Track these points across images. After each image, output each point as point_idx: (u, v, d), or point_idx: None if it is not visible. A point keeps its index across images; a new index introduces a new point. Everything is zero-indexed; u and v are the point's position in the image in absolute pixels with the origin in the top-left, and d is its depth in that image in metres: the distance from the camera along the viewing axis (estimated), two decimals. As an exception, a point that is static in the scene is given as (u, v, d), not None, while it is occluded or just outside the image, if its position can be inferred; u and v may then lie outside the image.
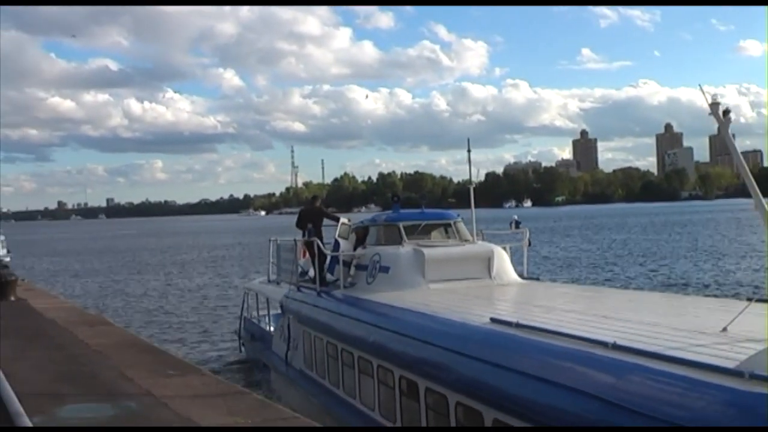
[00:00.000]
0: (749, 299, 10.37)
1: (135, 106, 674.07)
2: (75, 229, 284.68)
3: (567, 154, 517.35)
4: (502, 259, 16.91)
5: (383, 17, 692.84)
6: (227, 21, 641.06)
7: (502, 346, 9.75)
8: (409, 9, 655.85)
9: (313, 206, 20.56)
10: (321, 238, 19.00)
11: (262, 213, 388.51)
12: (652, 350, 7.81)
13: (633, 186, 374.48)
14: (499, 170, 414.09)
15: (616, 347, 8.15)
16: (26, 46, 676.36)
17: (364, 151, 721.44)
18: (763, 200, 8.71)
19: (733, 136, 9.54)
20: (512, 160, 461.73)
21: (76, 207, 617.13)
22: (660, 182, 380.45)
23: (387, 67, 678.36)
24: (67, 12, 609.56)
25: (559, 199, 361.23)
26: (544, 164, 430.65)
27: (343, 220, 19.82)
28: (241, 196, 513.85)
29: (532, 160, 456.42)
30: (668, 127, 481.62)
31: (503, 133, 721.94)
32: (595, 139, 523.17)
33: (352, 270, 17.87)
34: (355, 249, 18.45)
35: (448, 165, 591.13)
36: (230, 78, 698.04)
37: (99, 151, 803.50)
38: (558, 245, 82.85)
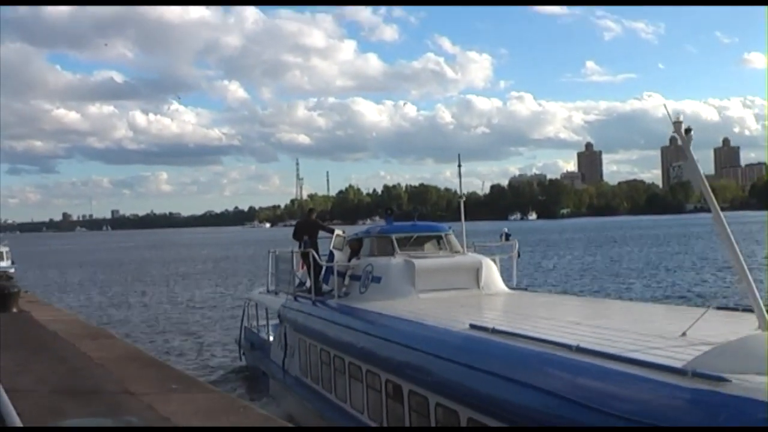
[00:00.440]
0: (708, 306, 10.95)
1: (140, 118, 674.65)
2: (80, 240, 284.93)
3: (572, 166, 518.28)
4: (491, 270, 17.49)
5: (388, 30, 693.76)
6: (232, 33, 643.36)
7: (477, 350, 10.37)
8: (413, 21, 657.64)
9: (308, 219, 21.31)
10: (316, 250, 19.61)
11: (267, 225, 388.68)
12: (611, 352, 8.40)
13: (638, 198, 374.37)
14: (504, 183, 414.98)
15: (579, 350, 8.74)
16: (32, 58, 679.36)
17: (369, 164, 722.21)
18: (722, 214, 9.29)
19: (698, 161, 10.07)
20: (517, 173, 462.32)
21: (81, 219, 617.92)
22: (665, 195, 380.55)
23: (392, 80, 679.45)
24: (73, 24, 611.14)
25: (564, 211, 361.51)
26: (549, 177, 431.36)
27: (337, 231, 20.44)
28: (246, 209, 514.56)
29: (537, 172, 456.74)
30: (673, 139, 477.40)
31: (508, 145, 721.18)
32: (600, 152, 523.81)
33: (347, 280, 18.43)
34: (349, 260, 19.04)
35: (452, 177, 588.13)
36: (235, 90, 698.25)
37: (104, 162, 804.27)
38: (563, 257, 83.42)
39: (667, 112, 9.70)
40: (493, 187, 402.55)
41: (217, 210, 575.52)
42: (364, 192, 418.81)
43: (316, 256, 19.16)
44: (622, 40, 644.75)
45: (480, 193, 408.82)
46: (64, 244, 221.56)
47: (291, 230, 21.36)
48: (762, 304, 8.66)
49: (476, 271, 17.23)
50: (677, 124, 9.58)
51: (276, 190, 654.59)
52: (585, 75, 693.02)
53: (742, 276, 8.88)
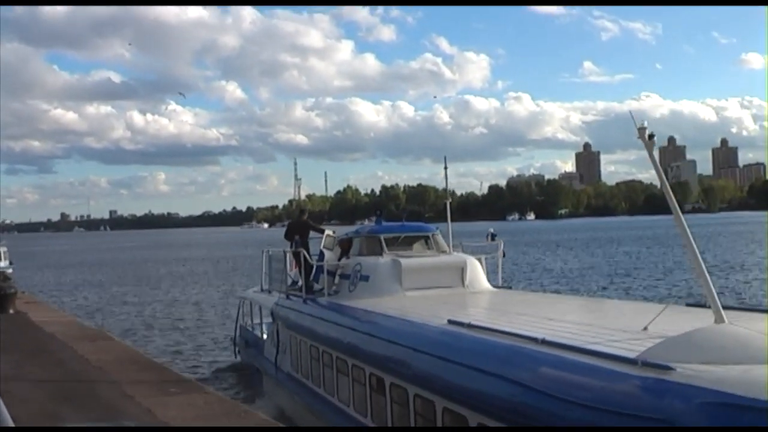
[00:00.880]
0: (670, 304, 11.58)
1: (138, 118, 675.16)
2: (78, 240, 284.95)
3: (570, 166, 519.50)
4: (475, 269, 18.08)
5: (385, 30, 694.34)
6: (230, 33, 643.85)
7: (451, 344, 10.97)
8: (411, 21, 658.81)
9: (300, 219, 21.92)
10: (307, 249, 20.19)
11: (265, 225, 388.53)
12: (574, 344, 8.98)
13: (636, 199, 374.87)
14: (503, 183, 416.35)
15: (544, 342, 9.32)
16: (29, 58, 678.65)
17: (367, 164, 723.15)
18: (682, 216, 9.86)
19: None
20: (515, 173, 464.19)
21: (79, 219, 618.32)
22: (663, 195, 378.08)
23: (389, 80, 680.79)
24: (70, 24, 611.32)
25: (563, 211, 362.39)
26: (547, 177, 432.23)
27: (327, 232, 21.01)
28: (244, 209, 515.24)
29: (535, 172, 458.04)
30: (671, 140, 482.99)
31: (506, 145, 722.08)
32: (598, 152, 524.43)
33: (337, 279, 19.00)
34: (340, 259, 19.61)
35: (450, 177, 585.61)
36: (233, 90, 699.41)
37: (102, 163, 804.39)
38: (559, 257, 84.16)
39: (632, 117, 10.22)
40: (491, 188, 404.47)
41: (216, 210, 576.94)
42: (362, 192, 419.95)
43: (306, 255, 19.74)
44: (619, 40, 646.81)
45: (478, 193, 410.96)
46: (62, 245, 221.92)
47: None
48: (717, 300, 9.20)
49: (461, 270, 17.80)
50: (641, 130, 10.10)
51: (274, 190, 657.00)
52: (582, 75, 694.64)
53: (699, 273, 9.42)
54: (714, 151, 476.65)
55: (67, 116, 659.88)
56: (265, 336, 23.84)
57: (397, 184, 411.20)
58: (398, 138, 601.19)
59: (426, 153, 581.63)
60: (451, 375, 10.41)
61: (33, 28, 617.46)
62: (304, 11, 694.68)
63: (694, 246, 9.42)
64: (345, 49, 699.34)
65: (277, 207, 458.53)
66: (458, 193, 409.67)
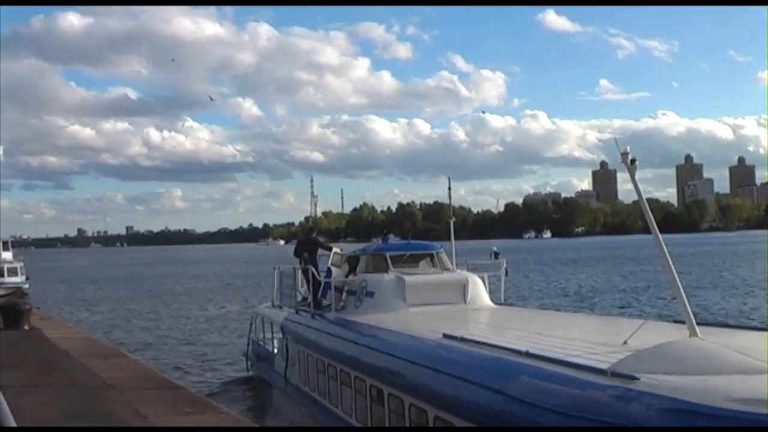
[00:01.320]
0: (647, 319, 12.21)
1: (154, 134, 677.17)
2: (94, 256, 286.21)
3: (586, 184, 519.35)
4: (477, 286, 18.70)
5: (401, 47, 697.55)
6: (246, 51, 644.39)
7: (444, 356, 11.63)
8: (426, 39, 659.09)
9: (309, 237, 22.66)
10: (316, 266, 20.88)
11: (281, 242, 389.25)
12: (554, 357, 9.61)
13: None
14: (519, 201, 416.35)
15: (528, 354, 9.95)
16: (46, 75, 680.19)
17: (383, 181, 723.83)
18: (661, 238, 10.50)
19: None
20: (531, 191, 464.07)
21: (95, 235, 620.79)
22: (680, 213, 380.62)
23: (405, 97, 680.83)
24: (87, 41, 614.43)
25: (579, 229, 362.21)
26: (563, 195, 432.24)
27: (335, 249, 21.72)
28: (260, 225, 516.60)
29: (552, 190, 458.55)
30: (688, 158, 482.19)
31: (522, 163, 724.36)
32: (615, 170, 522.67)
33: (344, 295, 19.68)
34: (347, 276, 20.28)
35: (467, 195, 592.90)
36: (249, 107, 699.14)
37: (119, 179, 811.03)
38: (573, 275, 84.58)
39: (616, 143, 10.84)
40: (507, 206, 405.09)
41: (232, 227, 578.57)
42: (379, 210, 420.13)
43: (315, 272, 20.42)
44: (635, 58, 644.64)
45: (494, 211, 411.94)
46: (78, 260, 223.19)
47: None
48: (692, 315, 9.83)
49: (463, 287, 18.42)
50: (624, 155, 10.71)
51: (290, 207, 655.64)
52: (599, 93, 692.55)
53: (675, 290, 10.06)
54: (731, 170, 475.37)
55: (84, 132, 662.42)
56: (275, 350, 24.50)
57: (413, 202, 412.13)
58: (414, 155, 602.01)
59: (442, 170, 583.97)
60: (441, 385, 11.07)
61: (50, 44, 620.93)
62: (320, 28, 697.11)
63: (671, 264, 10.05)
64: (361, 66, 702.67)
65: (293, 224, 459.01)
66: (474, 210, 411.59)
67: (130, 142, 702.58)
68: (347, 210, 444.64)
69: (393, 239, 22.67)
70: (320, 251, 21.95)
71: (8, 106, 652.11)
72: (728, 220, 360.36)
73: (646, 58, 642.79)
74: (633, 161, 10.79)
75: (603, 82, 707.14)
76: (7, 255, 78.86)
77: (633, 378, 7.95)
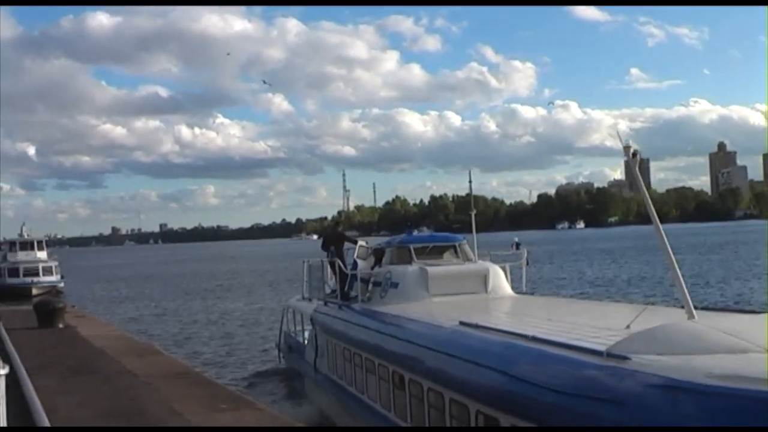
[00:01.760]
0: (647, 304, 12.88)
1: (186, 132, 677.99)
2: (129, 254, 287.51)
3: (619, 174, 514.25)
4: (498, 276, 19.35)
5: (430, 40, 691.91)
6: (275, 46, 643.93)
7: (458, 342, 12.32)
8: (455, 31, 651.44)
9: (335, 231, 23.49)
10: (342, 259, 21.65)
11: (314, 237, 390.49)
12: (558, 340, 10.24)
13: (686, 206, 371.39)
14: (551, 191, 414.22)
15: (534, 339, 10.61)
16: (77, 75, 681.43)
17: (415, 174, 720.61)
18: (661, 227, 11.14)
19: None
20: (564, 181, 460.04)
21: (130, 233, 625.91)
22: (714, 202, 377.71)
23: (435, 90, 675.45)
24: (117, 40, 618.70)
25: (612, 219, 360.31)
26: (596, 185, 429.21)
27: (360, 243, 22.50)
28: (293, 221, 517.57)
29: (584, 180, 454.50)
30: (721, 146, 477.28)
31: (554, 154, 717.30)
32: (648, 159, 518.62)
33: (370, 286, 20.43)
34: (373, 268, 21.04)
35: (499, 186, 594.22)
36: (279, 103, 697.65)
37: (151, 177, 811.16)
38: (606, 265, 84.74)
39: (618, 135, 11.57)
40: (540, 196, 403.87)
41: (265, 222, 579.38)
42: (411, 203, 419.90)
43: (342, 265, 21.19)
44: (665, 46, 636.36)
45: (527, 202, 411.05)
46: (113, 258, 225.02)
47: None
48: (689, 299, 10.48)
49: (484, 277, 19.07)
50: (627, 148, 11.43)
51: (323, 201, 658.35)
52: (630, 82, 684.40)
53: (673, 275, 10.71)
54: (765, 157, 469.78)
55: (115, 131, 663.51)
56: (306, 341, 25.33)
57: (445, 194, 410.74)
58: (446, 148, 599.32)
59: (474, 162, 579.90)
60: (455, 369, 11.77)
61: (80, 44, 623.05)
62: (349, 23, 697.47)
63: (670, 250, 10.69)
64: (390, 59, 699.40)
65: (326, 218, 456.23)
66: (507, 202, 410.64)
67: (161, 139, 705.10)
68: (380, 204, 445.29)
69: (426, 232, 23.33)
70: (347, 245, 22.72)
71: (40, 107, 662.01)
72: (763, 207, 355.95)
73: (677, 45, 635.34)
74: (635, 154, 11.48)
75: (634, 70, 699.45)
76: (42, 254, 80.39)
77: (625, 358, 8.57)
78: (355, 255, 21.75)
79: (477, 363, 11.11)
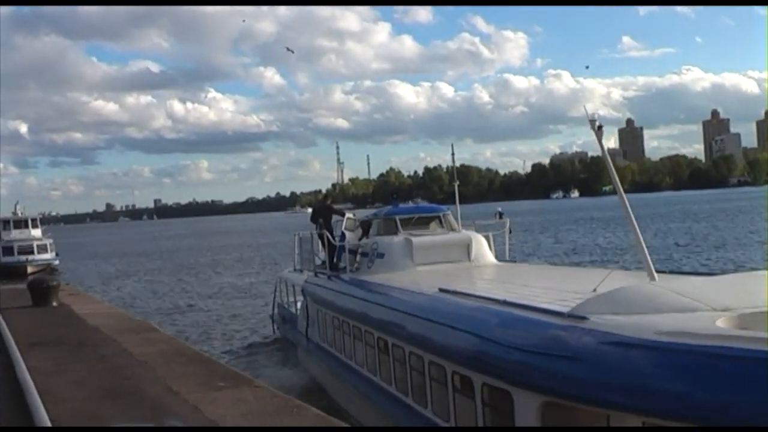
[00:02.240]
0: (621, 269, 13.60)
1: (178, 107, 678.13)
2: (123, 230, 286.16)
3: (613, 143, 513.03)
4: (480, 245, 20.05)
5: (421, 11, 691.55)
6: (266, 20, 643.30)
7: (435, 308, 13.02)
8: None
9: (324, 204, 24.17)
10: (331, 231, 22.32)
11: (309, 210, 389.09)
12: (527, 303, 10.87)
13: (681, 174, 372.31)
14: (545, 161, 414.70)
15: (505, 303, 11.25)
16: (67, 51, 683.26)
17: (408, 146, 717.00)
18: (626, 199, 11.83)
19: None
20: (558, 151, 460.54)
21: (124, 209, 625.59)
22: (708, 169, 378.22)
23: (427, 61, 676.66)
24: (107, 16, 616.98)
25: (607, 188, 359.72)
26: (590, 154, 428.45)
27: (348, 215, 23.19)
28: (287, 194, 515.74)
29: (578, 150, 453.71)
30: (714, 113, 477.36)
31: (547, 123, 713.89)
32: (641, 128, 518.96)
33: (358, 257, 21.11)
34: (360, 239, 21.72)
35: (493, 157, 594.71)
36: (271, 76, 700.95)
37: (144, 152, 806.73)
38: (598, 234, 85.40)
39: (585, 110, 12.18)
40: (534, 166, 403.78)
41: (259, 196, 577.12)
42: (405, 174, 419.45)
43: (329, 236, 21.86)
44: (657, 14, 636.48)
45: (521, 172, 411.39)
46: (107, 235, 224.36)
47: None
48: (650, 262, 11.23)
49: (467, 246, 19.77)
50: (592, 122, 12.05)
51: (317, 174, 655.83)
52: (622, 51, 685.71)
53: (635, 240, 11.43)
54: (758, 124, 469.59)
55: (107, 107, 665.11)
56: (298, 312, 26.04)
57: (439, 165, 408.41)
58: (439, 119, 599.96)
59: (467, 133, 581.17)
60: (433, 333, 12.45)
61: (70, 21, 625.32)
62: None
63: (632, 216, 11.41)
64: (382, 31, 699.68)
65: (320, 191, 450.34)
66: (501, 172, 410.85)
67: (154, 115, 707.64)
68: (374, 176, 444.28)
69: (421, 203, 23.91)
70: (335, 217, 23.38)
71: (32, 84, 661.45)
72: (757, 174, 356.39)
73: (669, 13, 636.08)
74: (600, 127, 12.12)
75: (626, 39, 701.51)
76: (36, 232, 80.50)
77: (584, 318, 9.24)
78: (343, 227, 22.42)
79: (453, 327, 11.76)
